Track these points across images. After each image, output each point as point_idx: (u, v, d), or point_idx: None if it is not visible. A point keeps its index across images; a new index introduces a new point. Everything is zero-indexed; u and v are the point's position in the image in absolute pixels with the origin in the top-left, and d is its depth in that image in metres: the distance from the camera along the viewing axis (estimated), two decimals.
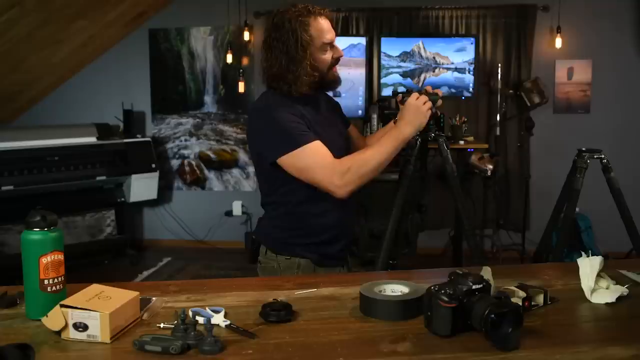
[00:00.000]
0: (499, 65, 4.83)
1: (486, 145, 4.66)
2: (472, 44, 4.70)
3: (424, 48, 4.73)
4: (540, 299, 1.36)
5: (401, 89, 4.60)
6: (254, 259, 1.95)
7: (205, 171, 5.50)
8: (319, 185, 1.72)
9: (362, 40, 4.78)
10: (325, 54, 1.81)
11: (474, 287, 1.20)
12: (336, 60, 1.85)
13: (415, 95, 1.82)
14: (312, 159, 1.71)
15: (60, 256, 1.31)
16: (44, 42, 4.54)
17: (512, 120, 4.96)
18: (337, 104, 2.05)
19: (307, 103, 1.82)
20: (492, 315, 1.13)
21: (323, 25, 1.78)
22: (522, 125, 4.85)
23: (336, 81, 1.88)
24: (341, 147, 1.87)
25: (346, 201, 1.88)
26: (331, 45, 1.82)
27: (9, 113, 5.37)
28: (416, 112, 1.79)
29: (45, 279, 1.29)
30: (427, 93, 1.90)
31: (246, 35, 5.11)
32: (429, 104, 1.82)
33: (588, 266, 1.42)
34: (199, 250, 5.36)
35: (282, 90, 1.79)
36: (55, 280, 1.30)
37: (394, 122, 1.88)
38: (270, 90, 1.84)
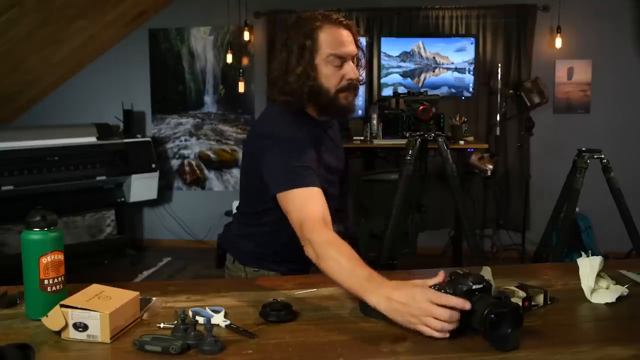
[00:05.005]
0: (499, 65, 4.83)
1: (486, 145, 4.67)
2: (472, 44, 4.70)
3: (424, 48, 4.73)
4: (540, 299, 1.36)
5: (401, 89, 4.60)
6: (220, 264, 1.88)
7: (205, 171, 5.50)
8: (296, 232, 1.51)
9: (362, 40, 4.76)
10: (330, 70, 1.59)
11: (474, 287, 1.19)
12: (348, 84, 1.60)
13: (449, 303, 1.16)
14: (296, 210, 1.49)
15: (60, 256, 1.31)
16: (44, 42, 4.54)
17: (512, 120, 4.96)
18: (339, 139, 1.87)
19: (315, 128, 1.69)
20: (492, 316, 1.13)
21: (338, 35, 1.58)
22: (522, 125, 4.85)
23: (347, 109, 1.64)
24: (339, 172, 1.82)
25: None
26: (343, 60, 1.59)
27: (9, 113, 5.37)
28: (412, 312, 1.18)
29: (45, 279, 1.29)
30: None
31: (246, 35, 5.11)
32: (448, 325, 1.16)
33: (588, 266, 1.42)
34: (199, 250, 5.35)
35: (283, 101, 1.64)
36: (55, 280, 1.30)
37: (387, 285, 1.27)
38: (275, 108, 1.68)
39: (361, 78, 1.69)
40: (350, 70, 1.60)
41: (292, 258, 1.71)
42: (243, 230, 1.83)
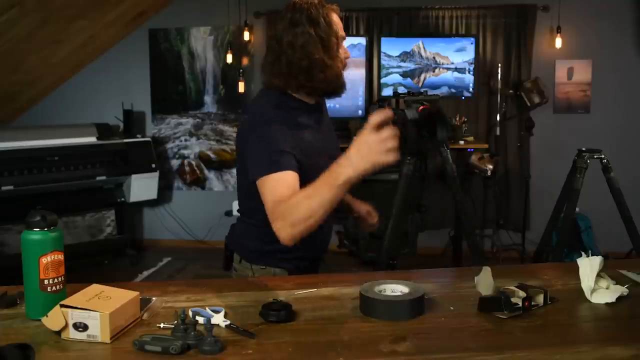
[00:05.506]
0: (499, 65, 4.83)
1: (486, 145, 4.67)
2: (472, 44, 4.70)
3: (424, 48, 4.73)
4: (540, 299, 1.36)
5: (401, 89, 4.60)
6: (228, 266, 1.89)
7: (205, 171, 5.50)
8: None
9: (362, 40, 4.78)
10: (337, 49, 1.69)
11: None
12: (346, 62, 1.76)
13: (371, 126, 1.35)
14: (267, 193, 1.54)
15: (60, 256, 1.31)
16: (44, 42, 4.54)
17: (512, 120, 4.96)
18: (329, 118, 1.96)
19: (308, 111, 1.74)
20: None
21: (338, 19, 1.73)
22: (522, 125, 4.85)
23: (345, 85, 1.75)
24: (334, 158, 1.83)
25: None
26: (342, 41, 1.74)
27: (9, 113, 5.37)
28: (365, 151, 1.35)
29: (45, 279, 1.29)
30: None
31: (246, 35, 5.11)
32: (391, 141, 1.32)
33: (588, 266, 1.42)
34: (199, 250, 5.35)
35: (298, 84, 1.66)
36: (55, 280, 1.30)
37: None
38: (265, 93, 1.73)
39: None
40: (346, 50, 1.74)
41: (298, 254, 1.73)
42: (246, 229, 1.84)
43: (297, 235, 1.47)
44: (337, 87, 1.72)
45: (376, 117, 1.33)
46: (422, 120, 1.30)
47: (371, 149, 1.33)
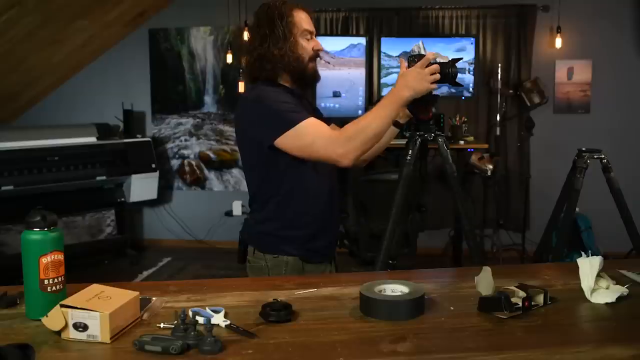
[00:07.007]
0: (499, 65, 4.83)
1: (486, 145, 4.67)
2: (472, 44, 4.70)
3: (424, 48, 4.71)
4: (540, 299, 1.36)
5: None
6: (242, 259, 1.96)
7: (205, 171, 5.50)
8: (322, 159, 1.74)
9: (362, 40, 4.78)
10: (306, 42, 1.88)
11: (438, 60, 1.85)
12: (316, 54, 1.91)
13: (423, 62, 1.78)
14: (311, 135, 1.72)
15: (60, 256, 1.31)
16: (44, 42, 4.54)
17: (512, 120, 4.96)
18: (316, 107, 2.12)
19: (293, 95, 1.87)
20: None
21: (305, 16, 1.90)
22: (522, 125, 4.85)
23: (316, 75, 1.92)
24: None
25: (332, 196, 1.93)
26: (312, 35, 1.90)
27: (9, 113, 5.38)
28: (418, 78, 1.75)
29: (45, 279, 1.29)
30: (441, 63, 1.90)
31: (246, 36, 5.11)
32: (436, 75, 1.78)
33: (588, 266, 1.42)
34: (199, 250, 5.36)
35: (265, 72, 1.84)
36: (55, 280, 1.30)
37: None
38: (257, 83, 1.88)
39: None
40: (317, 43, 1.92)
41: (308, 231, 1.85)
42: (260, 216, 1.91)
43: (358, 154, 1.70)
44: (300, 76, 1.88)
45: (431, 55, 1.80)
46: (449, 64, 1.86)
47: (426, 76, 1.75)
